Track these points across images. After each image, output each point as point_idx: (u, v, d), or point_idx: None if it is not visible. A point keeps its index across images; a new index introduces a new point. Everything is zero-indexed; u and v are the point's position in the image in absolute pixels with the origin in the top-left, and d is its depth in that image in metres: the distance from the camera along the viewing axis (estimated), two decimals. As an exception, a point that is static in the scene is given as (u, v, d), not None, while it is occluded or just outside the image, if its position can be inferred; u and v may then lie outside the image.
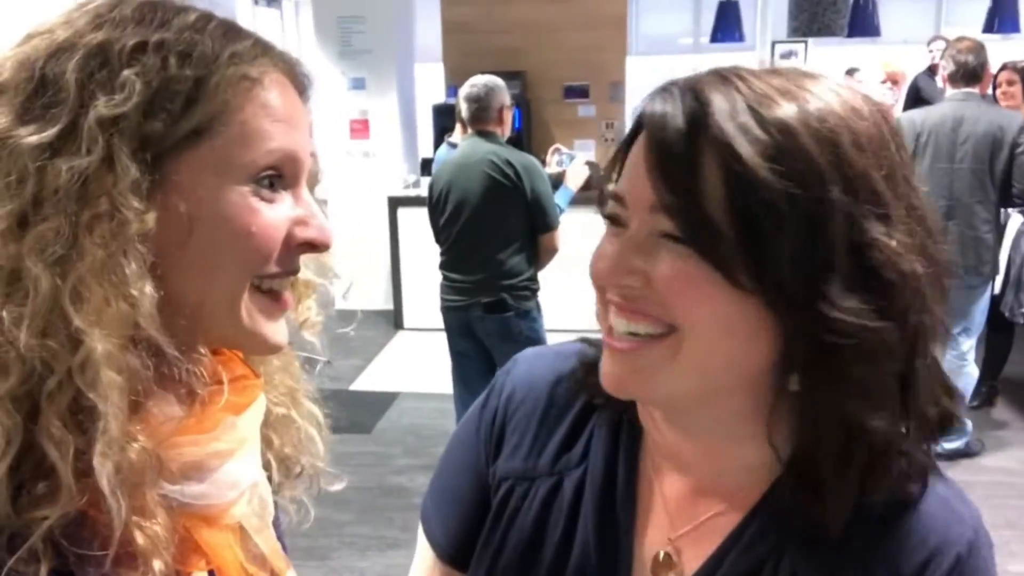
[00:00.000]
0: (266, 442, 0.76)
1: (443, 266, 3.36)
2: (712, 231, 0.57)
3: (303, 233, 0.66)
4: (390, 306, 6.16)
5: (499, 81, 3.33)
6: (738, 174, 0.56)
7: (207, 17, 0.65)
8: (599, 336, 0.70)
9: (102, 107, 0.58)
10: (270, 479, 0.77)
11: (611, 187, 0.66)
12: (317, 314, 0.80)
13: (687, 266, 0.59)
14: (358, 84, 6.44)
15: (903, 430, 0.63)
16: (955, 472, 3.92)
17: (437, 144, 5.74)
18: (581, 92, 6.98)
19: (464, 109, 3.31)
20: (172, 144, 0.60)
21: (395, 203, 5.95)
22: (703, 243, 0.58)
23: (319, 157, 0.72)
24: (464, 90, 3.32)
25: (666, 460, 0.71)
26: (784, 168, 0.56)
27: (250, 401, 0.70)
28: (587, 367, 0.75)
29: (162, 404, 0.63)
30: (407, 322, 6.09)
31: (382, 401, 4.80)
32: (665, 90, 0.62)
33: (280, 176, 0.65)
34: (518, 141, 5.91)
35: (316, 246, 0.67)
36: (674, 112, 0.59)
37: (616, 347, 0.64)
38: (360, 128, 6.48)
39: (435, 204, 3.31)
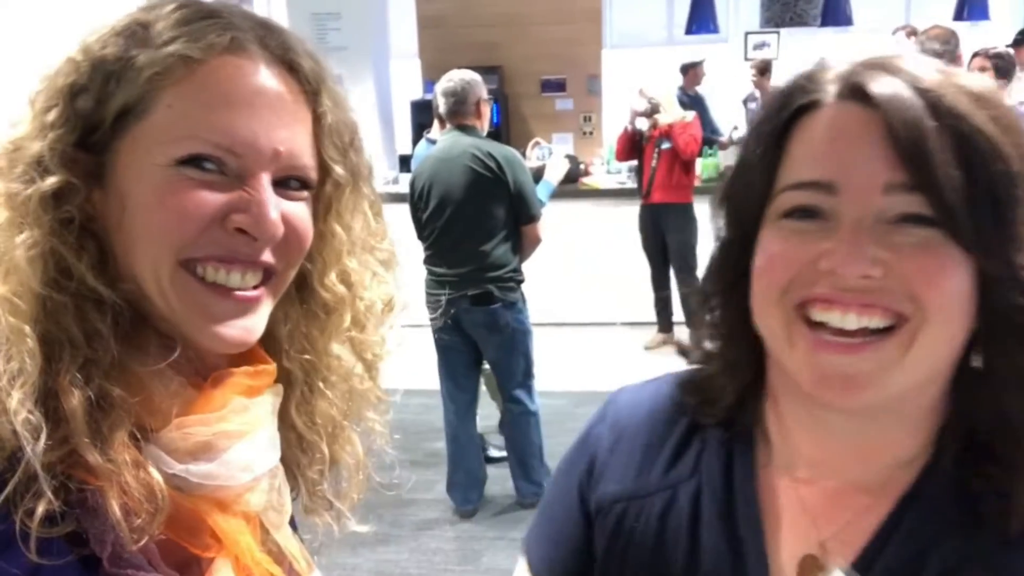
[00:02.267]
0: (295, 460, 0.77)
1: (428, 261, 3.36)
2: (960, 207, 0.56)
3: (238, 219, 0.64)
4: (372, 304, 6.14)
5: (475, 75, 3.34)
6: (980, 149, 0.57)
7: (184, 4, 0.66)
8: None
9: (39, 83, 0.62)
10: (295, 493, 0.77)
11: (796, 178, 0.61)
12: (359, 331, 0.76)
13: (937, 249, 0.57)
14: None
15: None
16: None
17: (416, 140, 5.73)
18: (558, 86, 7.00)
19: (441, 104, 3.31)
20: (109, 126, 0.63)
21: (375, 200, 5.92)
22: (952, 221, 0.57)
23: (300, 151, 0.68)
24: (440, 85, 3.32)
25: (802, 468, 0.68)
26: (1015, 140, 0.58)
27: (263, 385, 0.70)
28: (687, 388, 0.75)
29: (168, 383, 0.64)
30: (389, 319, 6.07)
31: (367, 398, 4.78)
32: (863, 71, 0.60)
33: (220, 161, 0.64)
34: (496, 136, 5.91)
35: (251, 235, 0.65)
36: (905, 93, 0.58)
37: (836, 345, 0.59)
38: (337, 126, 6.45)
39: (417, 200, 3.31)
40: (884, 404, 0.62)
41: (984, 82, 0.61)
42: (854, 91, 0.60)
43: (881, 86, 0.58)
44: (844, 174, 0.59)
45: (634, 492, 0.74)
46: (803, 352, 0.61)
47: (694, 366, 0.75)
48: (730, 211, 0.67)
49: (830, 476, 0.67)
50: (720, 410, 0.72)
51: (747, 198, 0.65)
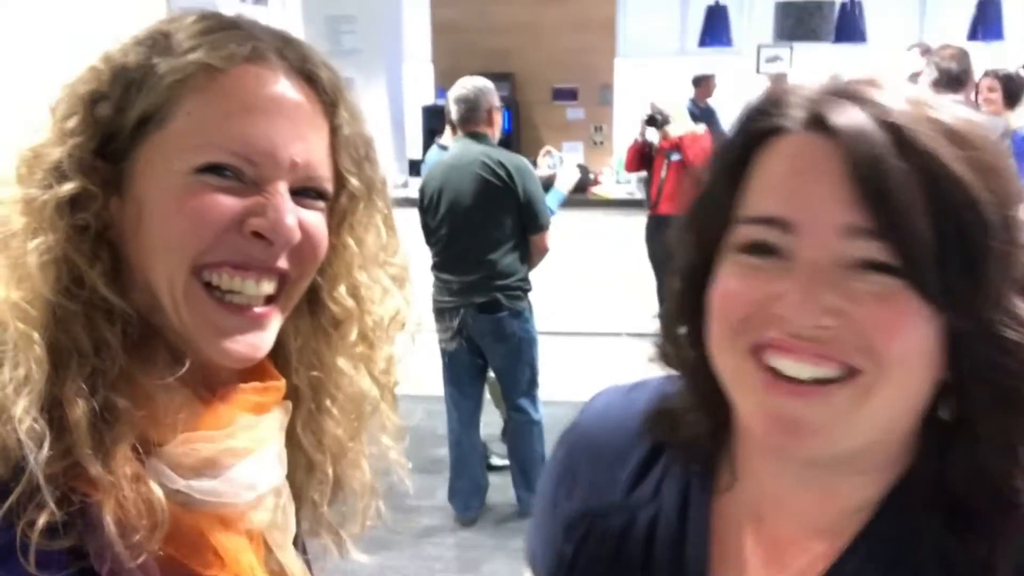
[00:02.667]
0: (299, 479, 0.76)
1: (435, 267, 3.37)
2: (925, 258, 0.52)
3: (255, 223, 0.64)
4: (378, 307, 6.15)
5: (488, 83, 3.35)
6: (949, 193, 0.52)
7: (205, 16, 0.67)
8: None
9: (61, 91, 0.63)
10: (299, 514, 0.77)
11: (752, 212, 0.57)
12: (367, 347, 0.76)
13: (898, 299, 0.53)
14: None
15: None
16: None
17: (426, 145, 5.74)
18: (570, 94, 7.01)
19: (454, 111, 3.32)
20: (129, 134, 0.64)
21: (384, 204, 5.94)
22: (916, 272, 0.52)
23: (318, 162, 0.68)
24: (453, 92, 3.33)
25: (763, 507, 0.65)
26: (991, 185, 0.53)
27: (272, 402, 0.70)
28: (652, 421, 0.71)
29: (174, 396, 0.64)
30: (395, 323, 6.07)
31: (371, 402, 4.78)
32: (828, 99, 0.55)
33: (237, 169, 0.64)
34: (507, 143, 5.93)
35: (267, 240, 0.64)
36: (869, 127, 0.53)
37: (788, 388, 0.55)
38: (349, 129, 6.48)
39: (427, 206, 3.32)
40: (840, 456, 0.58)
41: (967, 116, 0.55)
42: (817, 121, 0.55)
43: (844, 118, 0.53)
44: (801, 212, 0.54)
45: (597, 509, 0.72)
46: (754, 393, 0.57)
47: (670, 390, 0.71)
48: (692, 235, 0.63)
49: (788, 519, 0.64)
50: (688, 444, 0.68)
51: (708, 224, 0.61)
